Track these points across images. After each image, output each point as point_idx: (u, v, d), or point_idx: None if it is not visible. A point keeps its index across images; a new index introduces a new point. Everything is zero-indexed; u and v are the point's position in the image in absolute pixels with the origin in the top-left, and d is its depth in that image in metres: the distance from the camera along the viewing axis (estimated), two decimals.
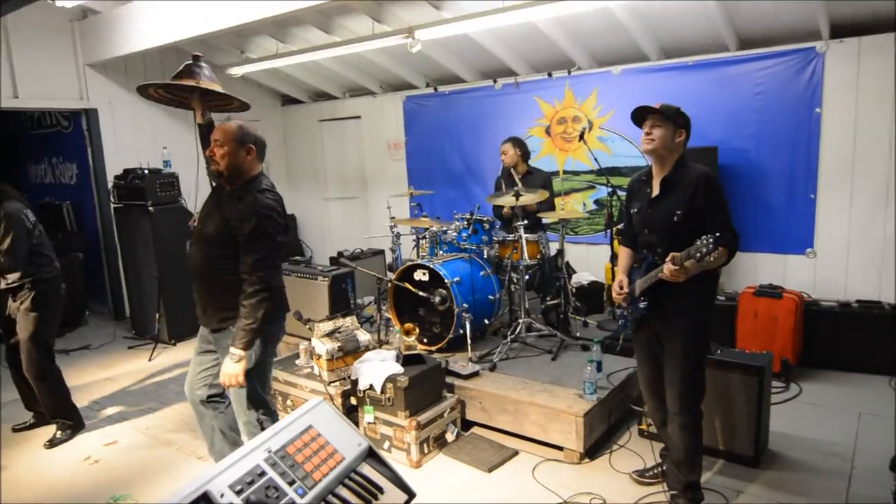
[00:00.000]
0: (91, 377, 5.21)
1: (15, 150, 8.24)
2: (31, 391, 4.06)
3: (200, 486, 1.40)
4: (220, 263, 2.76)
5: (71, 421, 4.08)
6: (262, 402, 2.90)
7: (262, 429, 2.73)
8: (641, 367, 3.01)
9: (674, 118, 2.68)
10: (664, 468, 3.12)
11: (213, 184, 3.05)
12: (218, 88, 3.03)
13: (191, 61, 3.03)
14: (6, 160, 8.16)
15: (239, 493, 1.45)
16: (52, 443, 3.96)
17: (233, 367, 2.66)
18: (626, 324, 2.96)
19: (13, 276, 3.79)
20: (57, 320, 4.05)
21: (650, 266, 2.72)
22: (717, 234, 2.33)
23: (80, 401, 4.45)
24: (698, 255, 2.37)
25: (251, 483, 1.49)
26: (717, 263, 2.52)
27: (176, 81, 2.98)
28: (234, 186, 2.80)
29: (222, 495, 1.42)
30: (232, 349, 2.66)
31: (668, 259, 2.50)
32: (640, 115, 2.75)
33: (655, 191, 2.77)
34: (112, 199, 6.37)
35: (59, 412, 4.04)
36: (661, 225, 2.71)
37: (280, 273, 2.92)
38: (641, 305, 2.78)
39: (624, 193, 5.71)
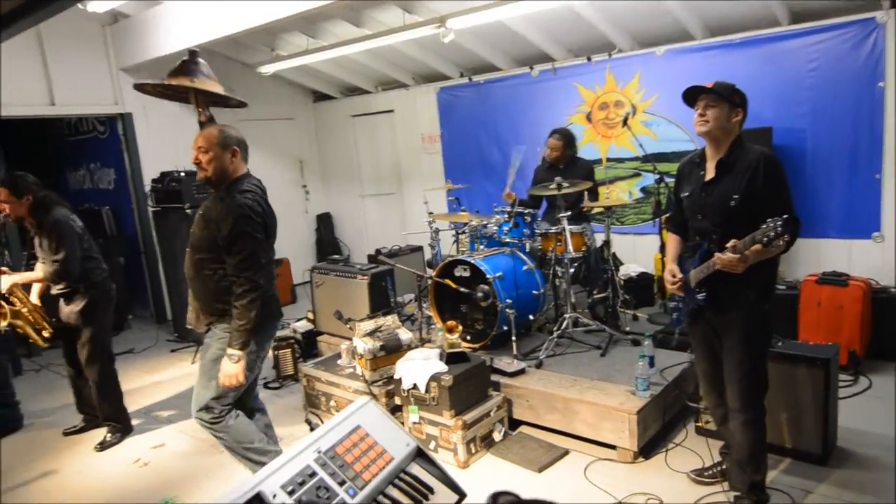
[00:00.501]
0: (136, 381, 5.37)
1: (54, 158, 8.55)
2: (85, 394, 4.22)
3: (253, 487, 1.44)
4: (207, 268, 2.88)
5: (120, 424, 4.22)
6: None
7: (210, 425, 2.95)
8: (700, 362, 2.95)
9: (729, 97, 2.59)
10: (724, 467, 3.06)
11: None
12: (213, 88, 3.03)
13: (187, 57, 3.05)
14: (46, 168, 8.46)
15: (291, 493, 1.48)
16: (103, 445, 4.11)
17: (231, 368, 2.80)
18: (681, 317, 2.90)
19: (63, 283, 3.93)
20: (111, 321, 4.20)
21: (704, 254, 2.64)
22: (785, 217, 2.24)
23: (128, 404, 4.59)
24: (765, 239, 2.27)
25: (302, 483, 1.52)
26: (780, 251, 2.43)
27: (171, 81, 2.99)
28: (219, 189, 2.89)
29: (275, 496, 1.45)
30: (229, 350, 2.79)
31: (727, 246, 2.42)
32: (693, 95, 2.66)
33: (710, 173, 2.68)
34: (150, 203, 6.57)
35: (111, 415, 4.19)
36: (717, 210, 2.63)
37: (268, 273, 2.99)
38: (699, 297, 2.70)
39: (672, 180, 5.65)
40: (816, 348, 3.30)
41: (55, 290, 3.98)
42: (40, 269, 3.96)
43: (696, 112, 2.64)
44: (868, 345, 4.36)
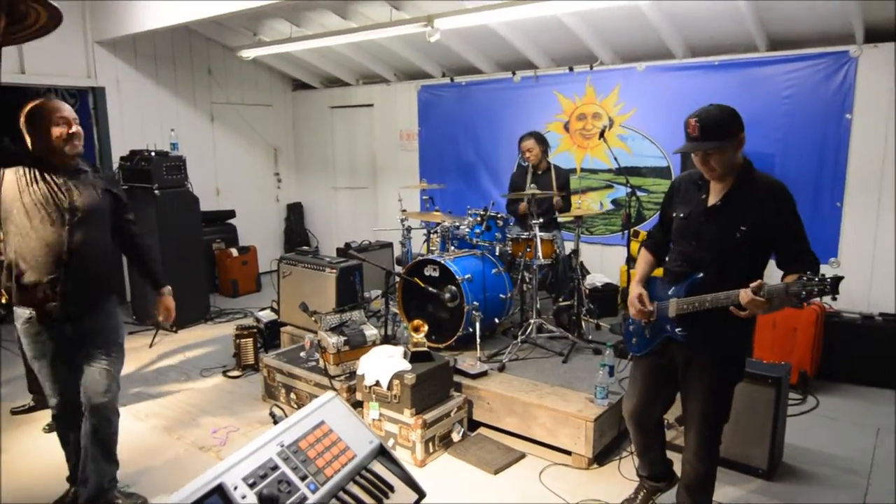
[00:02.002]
0: None
1: (17, 126, 8.28)
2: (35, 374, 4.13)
3: (215, 478, 1.45)
4: None
5: None
6: None
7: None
8: (636, 395, 2.74)
9: (724, 135, 2.31)
10: (643, 493, 2.99)
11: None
12: None
13: None
14: (10, 137, 8.22)
15: (252, 486, 1.49)
16: (52, 428, 4.01)
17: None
18: (645, 344, 2.66)
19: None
20: None
21: (697, 286, 2.41)
22: (829, 277, 2.06)
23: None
24: (803, 293, 2.08)
25: (264, 476, 1.53)
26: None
27: None
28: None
29: (236, 487, 1.46)
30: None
31: (752, 286, 2.16)
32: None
33: (714, 198, 2.43)
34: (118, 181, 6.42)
35: None
36: (718, 240, 2.39)
37: None
38: (678, 331, 2.47)
39: (643, 194, 5.78)
40: (769, 367, 3.38)
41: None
42: None
43: (699, 161, 2.39)
44: (818, 366, 4.50)
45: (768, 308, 2.18)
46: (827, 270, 4.97)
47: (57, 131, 2.69)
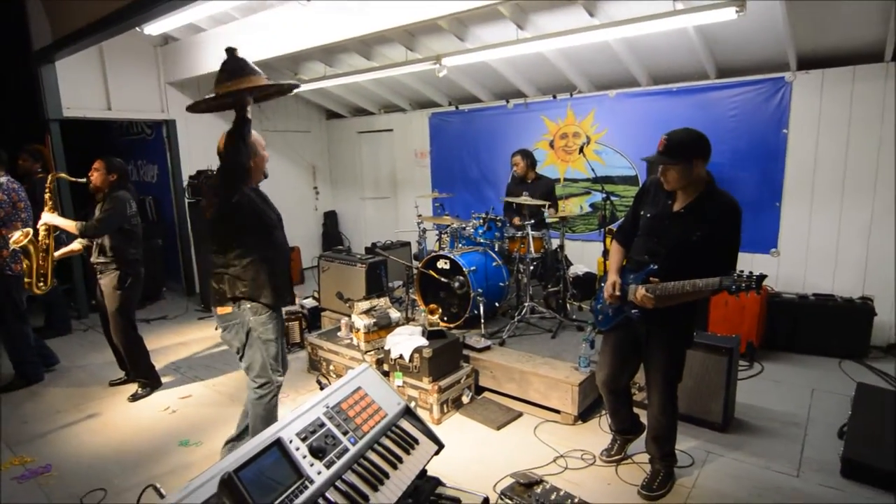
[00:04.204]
0: (168, 342, 5.33)
1: (108, 154, 8.35)
2: (120, 354, 4.18)
3: (275, 433, 1.46)
4: None
5: (149, 380, 4.16)
6: None
7: None
8: (607, 366, 2.76)
9: (679, 158, 2.32)
10: (620, 442, 3.02)
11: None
12: (258, 82, 2.39)
13: (226, 58, 2.41)
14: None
15: (304, 439, 1.51)
16: (135, 397, 4.05)
17: None
18: (609, 320, 2.69)
19: (103, 251, 3.84)
20: (137, 297, 4.08)
21: (651, 274, 2.44)
22: (756, 276, 2.13)
23: (160, 362, 4.55)
24: (735, 287, 2.14)
25: (314, 432, 1.55)
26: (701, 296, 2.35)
27: (218, 91, 2.38)
28: None
29: (291, 441, 1.48)
30: None
31: (655, 285, 2.27)
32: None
33: (679, 205, 2.43)
34: (186, 195, 6.48)
35: (140, 373, 4.13)
36: (676, 240, 2.40)
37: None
38: (634, 312, 2.51)
39: (616, 199, 5.75)
40: (722, 339, 3.39)
41: (94, 257, 3.90)
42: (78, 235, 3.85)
43: (660, 171, 2.43)
44: (763, 338, 4.49)
45: (660, 303, 2.33)
46: (768, 258, 5.00)
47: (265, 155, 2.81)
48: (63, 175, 4.16)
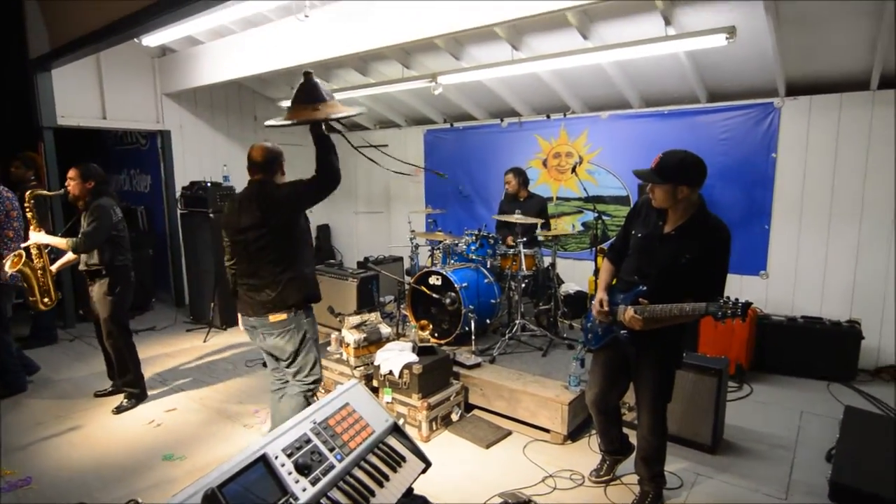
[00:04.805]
0: (155, 354, 5.25)
1: (100, 163, 8.31)
2: (111, 363, 4.11)
3: (260, 448, 1.44)
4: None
5: (137, 391, 4.09)
6: None
7: None
8: (596, 385, 2.74)
9: (667, 179, 2.33)
10: (609, 463, 3.00)
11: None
12: (339, 113, 2.54)
13: (304, 81, 2.54)
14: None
15: (290, 455, 1.49)
16: (119, 409, 3.97)
17: None
18: (598, 339, 2.68)
19: (91, 259, 3.80)
20: (128, 302, 4.04)
21: (639, 295, 2.43)
22: (742, 303, 2.13)
23: (146, 373, 4.46)
24: (721, 313, 2.14)
25: (300, 448, 1.53)
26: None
27: (298, 117, 2.56)
28: None
29: (276, 457, 1.46)
30: None
31: (644, 308, 2.28)
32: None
33: (669, 227, 2.43)
34: (179, 206, 6.45)
35: (128, 383, 4.06)
36: (666, 261, 2.39)
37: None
38: (623, 333, 2.51)
39: (607, 218, 5.79)
40: (712, 360, 3.39)
41: (82, 265, 3.85)
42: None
43: (649, 188, 2.44)
44: (752, 359, 4.49)
45: (647, 326, 2.32)
46: (757, 280, 5.03)
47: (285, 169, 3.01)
48: (40, 192, 4.08)
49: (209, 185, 6.07)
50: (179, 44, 6.18)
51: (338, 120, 2.60)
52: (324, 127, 2.61)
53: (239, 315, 2.94)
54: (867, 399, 4.03)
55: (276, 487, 1.40)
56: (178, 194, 6.56)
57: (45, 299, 3.99)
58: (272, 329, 2.80)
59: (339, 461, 1.56)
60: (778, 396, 4.12)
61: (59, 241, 3.76)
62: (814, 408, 3.90)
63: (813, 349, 4.39)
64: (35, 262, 3.92)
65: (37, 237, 3.81)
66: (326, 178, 2.70)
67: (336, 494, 1.49)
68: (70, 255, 3.98)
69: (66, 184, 3.82)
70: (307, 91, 2.49)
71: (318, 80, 2.56)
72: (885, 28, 3.66)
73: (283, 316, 2.76)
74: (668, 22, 3.99)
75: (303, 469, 1.46)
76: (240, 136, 7.65)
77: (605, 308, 2.58)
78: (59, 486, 3.02)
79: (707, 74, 4.86)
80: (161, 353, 5.31)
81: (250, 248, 2.75)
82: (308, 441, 1.55)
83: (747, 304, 2.15)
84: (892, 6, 3.44)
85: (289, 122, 2.50)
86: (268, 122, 2.65)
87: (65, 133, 6.04)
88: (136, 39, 5.19)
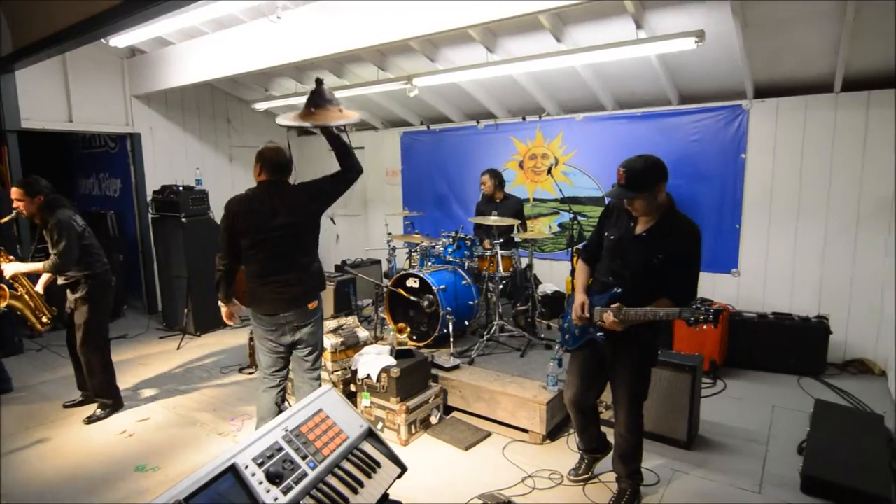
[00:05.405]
0: (127, 362, 5.11)
1: (67, 167, 8.12)
2: (83, 373, 3.98)
3: (229, 459, 1.40)
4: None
5: (110, 401, 3.98)
6: None
7: None
8: (574, 385, 2.75)
9: (644, 187, 2.32)
10: (587, 462, 3.02)
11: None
12: (344, 120, 2.71)
13: (316, 87, 2.70)
14: (61, 175, 8.02)
15: (261, 465, 1.45)
16: (91, 419, 3.86)
17: None
18: (576, 339, 2.70)
19: (70, 273, 3.74)
20: (108, 308, 3.97)
21: (614, 297, 2.44)
22: (714, 310, 2.17)
23: (119, 382, 4.36)
24: (693, 319, 2.17)
25: (271, 457, 1.49)
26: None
27: (312, 122, 2.72)
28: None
29: (247, 466, 1.42)
30: None
31: (619, 311, 2.29)
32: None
33: (641, 228, 2.44)
34: (150, 211, 6.30)
35: (102, 392, 3.95)
36: (639, 262, 2.41)
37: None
38: (599, 335, 2.52)
39: (583, 219, 5.84)
40: (686, 357, 3.43)
41: (61, 280, 3.77)
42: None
43: (626, 203, 2.44)
44: (725, 356, 4.55)
45: (624, 326, 2.36)
46: (729, 279, 5.11)
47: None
48: None
49: (181, 188, 5.94)
50: (149, 45, 6.05)
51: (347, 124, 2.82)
52: (335, 128, 2.82)
53: (260, 316, 2.92)
54: (836, 392, 4.12)
55: (247, 498, 1.36)
56: (149, 198, 6.41)
57: (43, 318, 3.95)
58: (309, 318, 2.92)
59: (312, 469, 1.52)
60: (750, 391, 4.19)
61: (35, 267, 3.72)
62: (785, 402, 3.98)
63: (783, 344, 4.47)
64: (19, 290, 3.87)
65: (12, 268, 3.73)
66: (353, 172, 2.98)
67: (309, 503, 1.46)
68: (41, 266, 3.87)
69: (13, 206, 3.69)
70: (321, 95, 2.70)
71: (327, 87, 2.77)
72: (846, 31, 3.76)
73: (316, 303, 2.95)
74: (639, 25, 4.04)
75: (274, 478, 1.42)
76: (213, 138, 7.52)
77: (587, 314, 2.57)
78: (30, 500, 2.92)
79: (678, 77, 4.94)
80: (133, 361, 5.17)
81: (285, 245, 2.82)
82: (280, 449, 1.52)
83: (718, 311, 2.19)
84: (852, 8, 3.53)
85: (308, 123, 2.71)
86: (281, 121, 2.81)
87: (30, 137, 5.85)
88: (103, 40, 5.05)
